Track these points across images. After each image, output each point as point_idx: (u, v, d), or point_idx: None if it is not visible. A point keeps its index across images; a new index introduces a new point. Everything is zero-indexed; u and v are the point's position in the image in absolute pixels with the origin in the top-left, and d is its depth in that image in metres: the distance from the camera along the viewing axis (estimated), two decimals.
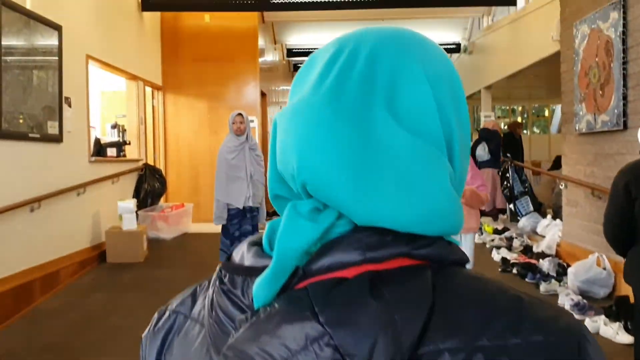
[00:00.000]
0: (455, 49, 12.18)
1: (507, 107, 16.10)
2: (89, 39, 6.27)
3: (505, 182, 7.21)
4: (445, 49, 12.46)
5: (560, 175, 5.86)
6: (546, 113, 17.16)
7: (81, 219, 5.98)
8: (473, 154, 8.46)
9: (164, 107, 9.09)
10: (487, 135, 8.09)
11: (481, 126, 9.07)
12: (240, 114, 4.95)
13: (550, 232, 5.96)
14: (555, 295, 4.92)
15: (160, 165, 8.75)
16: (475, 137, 8.80)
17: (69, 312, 4.68)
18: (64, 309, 4.77)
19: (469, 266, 0.50)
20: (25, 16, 4.86)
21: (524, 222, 7.09)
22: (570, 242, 5.65)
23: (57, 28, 5.41)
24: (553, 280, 5.18)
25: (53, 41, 5.36)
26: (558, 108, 16.07)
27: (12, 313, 4.47)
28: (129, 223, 6.31)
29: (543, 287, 5.13)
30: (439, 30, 12.27)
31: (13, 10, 4.65)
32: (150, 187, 7.68)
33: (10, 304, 4.46)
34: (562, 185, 5.79)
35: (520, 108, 16.18)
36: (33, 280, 4.82)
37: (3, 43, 4.49)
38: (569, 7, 5.61)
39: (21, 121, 4.78)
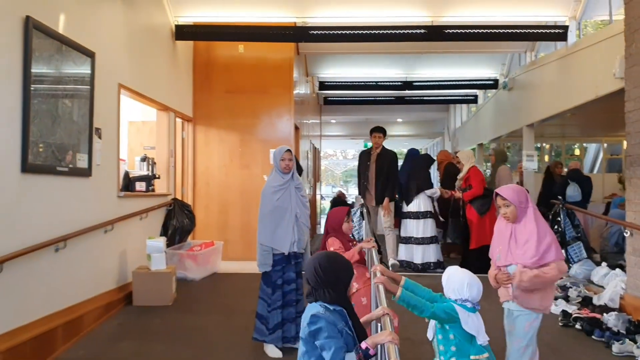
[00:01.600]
0: (493, 84, 11.77)
1: (538, 145, 15.58)
2: (122, 67, 5.96)
3: (556, 227, 6.67)
4: (481, 84, 12.09)
5: (624, 222, 5.33)
6: (576, 152, 16.56)
7: (108, 259, 5.57)
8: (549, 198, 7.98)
9: (194, 139, 8.76)
10: (576, 176, 7.77)
11: (569, 167, 8.70)
12: (289, 150, 4.52)
13: (611, 284, 5.39)
14: (632, 358, 4.36)
15: (189, 201, 8.37)
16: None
17: None
18: (87, 359, 4.32)
19: None
20: (58, 41, 4.55)
21: (576, 270, 6.52)
22: (636, 296, 5.08)
23: (91, 55, 5.10)
24: (627, 340, 4.60)
25: (85, 69, 5.04)
26: (591, 147, 15.51)
27: None
28: (158, 263, 5.87)
29: (616, 347, 4.55)
30: (475, 66, 11.92)
31: (44, 34, 4.33)
32: (179, 223, 7.27)
33: (30, 355, 4.01)
34: (626, 233, 5.25)
35: (548, 146, 15.64)
36: (55, 327, 4.38)
37: (33, 70, 4.16)
38: (636, 43, 5.18)
39: (49, 153, 4.42)
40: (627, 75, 5.35)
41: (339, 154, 32.51)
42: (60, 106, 4.63)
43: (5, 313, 3.83)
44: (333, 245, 3.98)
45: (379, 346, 2.21)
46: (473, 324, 2.87)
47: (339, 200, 16.20)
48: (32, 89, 4.13)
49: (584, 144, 16.07)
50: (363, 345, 2.15)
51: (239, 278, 7.35)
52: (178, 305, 5.85)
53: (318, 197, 14.54)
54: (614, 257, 6.67)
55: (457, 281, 2.90)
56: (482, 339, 2.87)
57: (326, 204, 18.69)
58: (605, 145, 14.33)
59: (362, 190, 7.24)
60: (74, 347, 4.56)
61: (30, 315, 4.13)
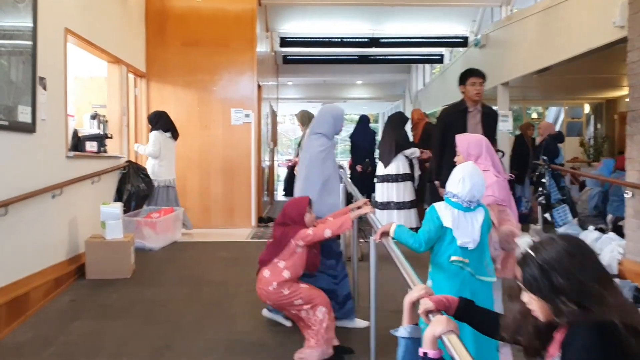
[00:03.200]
0: (462, 42, 11.43)
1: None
2: (68, 9, 5.20)
3: (540, 189, 6.44)
4: (449, 42, 11.73)
5: (625, 182, 5.10)
6: (534, 115, 16.56)
7: (56, 227, 4.91)
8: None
9: (148, 96, 8.02)
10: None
11: (543, 127, 8.55)
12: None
13: (606, 249, 5.18)
14: None
15: (143, 164, 7.68)
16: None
17: (43, 349, 3.63)
18: (37, 344, 3.72)
19: None
20: None
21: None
22: (638, 261, 4.89)
23: None
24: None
25: (26, 7, 4.28)
26: (551, 110, 15.55)
27: None
28: (114, 231, 5.25)
29: None
30: (444, 22, 11.52)
31: None
32: (134, 188, 6.61)
33: None
34: (627, 194, 5.02)
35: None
36: None
37: None
38: None
39: None
40: (630, 22, 4.97)
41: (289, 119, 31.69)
42: None
43: None
44: (304, 238, 3.36)
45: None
46: (453, 218, 2.61)
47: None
48: None
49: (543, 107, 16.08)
50: (421, 352, 1.57)
51: (202, 247, 6.82)
52: (138, 278, 5.27)
53: (276, 163, 13.99)
54: (594, 221, 6.50)
55: (454, 174, 2.66)
56: (462, 238, 2.59)
57: (282, 172, 18.15)
58: (566, 107, 14.37)
59: (439, 170, 4.66)
60: (20, 328, 3.95)
61: None
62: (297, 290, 3.35)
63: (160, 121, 7.07)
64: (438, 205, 2.69)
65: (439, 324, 1.56)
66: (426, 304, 1.73)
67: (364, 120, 8.88)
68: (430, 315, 1.70)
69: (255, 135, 8.24)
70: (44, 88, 4.62)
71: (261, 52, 9.17)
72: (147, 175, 6.90)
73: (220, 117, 8.16)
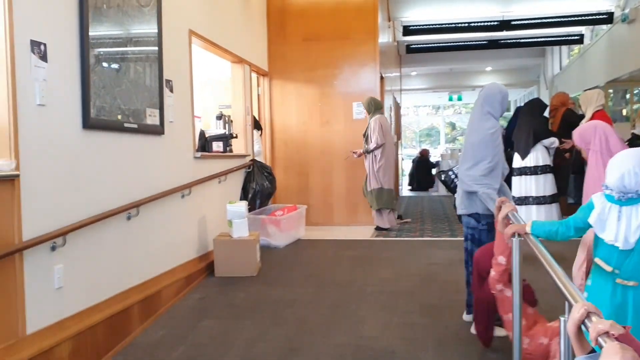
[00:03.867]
0: (605, 19, 10.27)
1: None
2: (192, 11, 5.29)
3: None
4: (590, 20, 10.62)
5: None
6: None
7: (186, 226, 5.01)
8: None
9: (270, 95, 8.07)
10: None
11: None
12: None
13: None
14: None
15: (267, 162, 7.75)
16: None
17: (173, 348, 3.66)
18: (168, 343, 3.77)
19: None
20: None
21: None
22: None
23: None
24: None
25: (151, 10, 4.37)
26: None
27: (106, 349, 3.52)
28: (240, 230, 5.28)
29: None
30: None
31: None
32: (258, 186, 6.66)
33: (103, 338, 3.51)
34: None
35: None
36: (130, 306, 3.85)
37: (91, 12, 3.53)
38: None
39: (114, 108, 3.81)
40: None
41: (412, 111, 30.90)
42: (125, 52, 4.00)
43: (73, 292, 3.30)
44: (493, 284, 3.04)
45: None
46: (600, 211, 2.27)
47: (423, 159, 15.24)
48: (90, 34, 3.50)
49: None
50: None
51: (326, 245, 6.70)
52: (264, 276, 5.25)
53: (400, 157, 13.61)
54: None
55: (609, 165, 2.31)
56: (607, 236, 2.23)
57: (406, 165, 17.73)
58: None
59: None
60: (152, 326, 4.05)
61: (102, 294, 3.60)
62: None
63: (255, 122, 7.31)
64: (596, 196, 2.35)
65: (612, 356, 1.18)
66: (598, 327, 1.35)
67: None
68: (600, 340, 1.32)
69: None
70: (171, 90, 4.71)
71: (383, 42, 8.88)
72: (270, 174, 6.93)
73: (342, 111, 8.00)
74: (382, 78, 8.28)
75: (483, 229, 3.63)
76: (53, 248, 3.12)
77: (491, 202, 3.39)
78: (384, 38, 9.31)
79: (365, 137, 7.39)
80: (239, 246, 5.23)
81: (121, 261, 3.85)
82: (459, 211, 3.77)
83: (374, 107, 7.36)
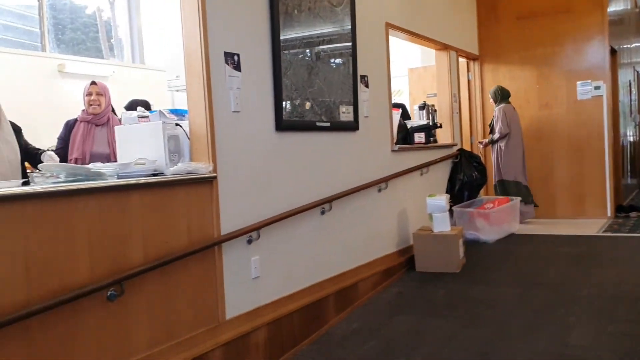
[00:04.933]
0: None
1: None
2: (388, 4, 5.25)
3: None
4: None
5: None
6: None
7: (384, 219, 5.04)
8: None
9: (482, 79, 7.65)
10: None
11: None
12: None
13: None
14: None
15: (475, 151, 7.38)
16: None
17: (365, 340, 3.71)
18: (360, 335, 3.83)
19: None
20: None
21: None
22: None
23: None
24: None
25: (344, 7, 4.45)
26: None
27: (301, 338, 3.73)
28: (441, 224, 5.12)
29: None
30: None
31: None
32: (467, 177, 6.37)
33: (299, 327, 3.72)
34: None
35: None
36: (326, 296, 4.02)
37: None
38: None
39: (307, 107, 3.99)
40: None
41: None
42: (317, 52, 4.15)
43: (269, 282, 3.57)
44: None
45: None
46: None
47: None
48: (282, 38, 3.71)
49: None
50: None
51: (542, 240, 6.13)
52: (467, 273, 5.01)
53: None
54: None
55: None
56: None
57: None
58: None
59: None
60: (348, 317, 4.16)
61: (297, 284, 3.81)
62: None
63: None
64: None
65: None
66: None
67: None
68: None
69: (609, 109, 6.98)
70: (366, 85, 4.75)
71: (617, 10, 7.76)
72: (480, 163, 6.59)
73: (564, 92, 7.21)
74: (614, 52, 7.22)
75: None
76: (249, 241, 3.40)
77: None
78: (618, 5, 8.09)
79: (491, 127, 7.12)
80: (440, 241, 5.08)
81: (316, 254, 4.03)
82: None
83: (501, 96, 7.06)
